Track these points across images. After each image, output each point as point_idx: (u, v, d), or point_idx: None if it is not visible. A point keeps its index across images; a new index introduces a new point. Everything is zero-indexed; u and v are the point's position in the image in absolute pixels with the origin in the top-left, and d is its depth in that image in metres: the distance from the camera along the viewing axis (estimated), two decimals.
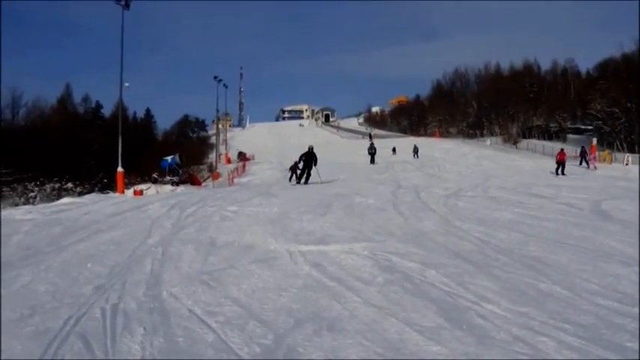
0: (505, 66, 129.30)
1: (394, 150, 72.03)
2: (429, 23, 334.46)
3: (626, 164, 49.75)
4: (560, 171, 41.07)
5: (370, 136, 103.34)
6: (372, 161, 57.35)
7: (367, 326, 7.86)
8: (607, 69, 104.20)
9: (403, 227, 16.32)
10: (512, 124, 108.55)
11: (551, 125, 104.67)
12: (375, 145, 64.38)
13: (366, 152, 61.44)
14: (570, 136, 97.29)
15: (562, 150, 44.60)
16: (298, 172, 37.15)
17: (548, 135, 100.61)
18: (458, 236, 14.53)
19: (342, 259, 12.15)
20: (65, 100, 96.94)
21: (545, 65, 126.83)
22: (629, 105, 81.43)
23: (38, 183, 47.73)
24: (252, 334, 7.67)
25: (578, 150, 51.37)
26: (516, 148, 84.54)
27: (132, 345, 7.32)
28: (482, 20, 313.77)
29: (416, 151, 69.70)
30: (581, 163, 47.94)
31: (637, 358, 6.49)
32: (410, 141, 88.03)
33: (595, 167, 46.10)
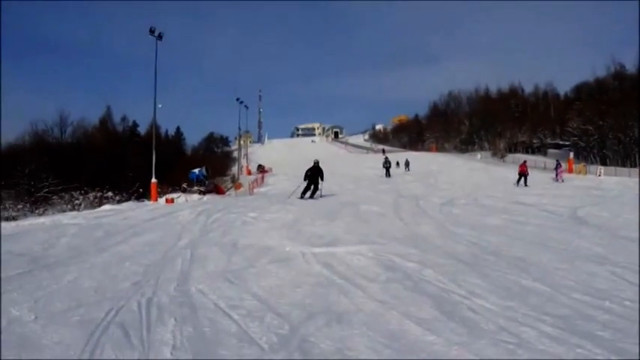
0: (493, 89, 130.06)
1: (398, 164, 71.36)
2: (427, 51, 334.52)
3: (599, 175, 49.71)
4: (523, 182, 40.27)
5: (383, 151, 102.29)
6: (388, 174, 56.24)
7: (371, 318, 7.89)
8: (582, 91, 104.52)
9: (404, 231, 16.34)
10: (500, 140, 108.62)
11: (534, 141, 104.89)
12: (390, 159, 63.90)
13: (381, 166, 60.79)
14: (551, 150, 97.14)
15: (525, 162, 43.90)
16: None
17: (531, 149, 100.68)
18: (452, 239, 14.54)
19: (349, 260, 12.17)
20: (106, 120, 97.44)
21: (528, 88, 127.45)
22: (601, 123, 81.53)
23: (82, 192, 47.81)
24: (269, 325, 7.71)
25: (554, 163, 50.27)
26: (503, 161, 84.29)
27: (164, 334, 7.36)
28: (473, 48, 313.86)
29: (407, 164, 69.34)
30: (556, 178, 46.38)
31: (606, 345, 6.51)
32: (406, 155, 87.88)
33: (562, 180, 44.60)
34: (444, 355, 6.54)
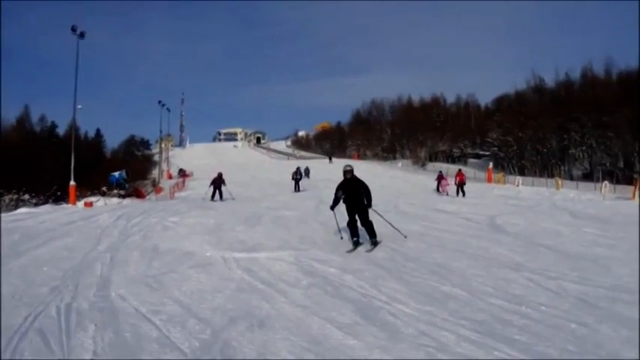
0: (416, 98, 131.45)
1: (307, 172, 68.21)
2: (350, 61, 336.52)
3: (517, 185, 50.53)
4: (462, 193, 38.59)
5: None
6: (297, 188, 47.25)
7: (293, 323, 7.96)
8: (502, 103, 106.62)
9: (324, 237, 16.44)
10: (421, 149, 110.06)
11: (454, 150, 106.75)
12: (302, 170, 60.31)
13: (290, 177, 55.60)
14: (471, 160, 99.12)
15: (460, 170, 43.74)
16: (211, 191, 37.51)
17: (452, 159, 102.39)
18: (371, 245, 14.67)
19: (270, 265, 12.23)
20: (24, 119, 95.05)
21: (450, 98, 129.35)
22: (520, 134, 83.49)
23: None
24: (191, 330, 7.71)
25: (436, 174, 48.59)
26: (424, 169, 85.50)
27: (85, 339, 7.28)
28: (397, 59, 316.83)
29: (307, 172, 63.95)
30: (438, 190, 43.74)
31: (522, 348, 6.71)
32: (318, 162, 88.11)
33: (447, 193, 40.85)
34: (365, 358, 6.64)
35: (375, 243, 14.58)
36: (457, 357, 6.60)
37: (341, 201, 15.44)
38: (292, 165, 60.97)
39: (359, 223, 15.06)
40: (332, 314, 8.37)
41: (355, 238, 14.79)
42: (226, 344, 7.14)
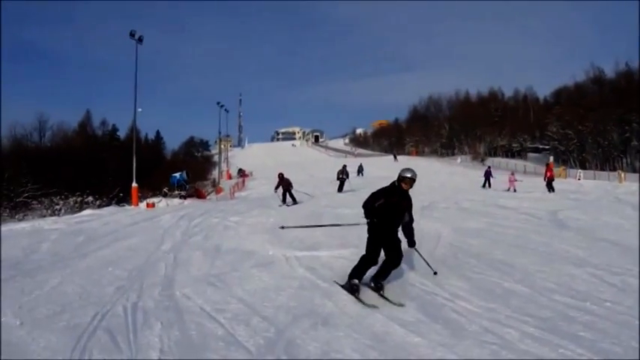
0: (473, 93, 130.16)
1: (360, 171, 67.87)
2: (406, 58, 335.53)
3: (578, 179, 49.79)
4: (550, 188, 36.34)
5: (395, 156, 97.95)
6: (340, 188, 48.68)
7: (356, 321, 7.97)
8: (561, 96, 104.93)
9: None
10: (480, 144, 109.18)
11: (513, 145, 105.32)
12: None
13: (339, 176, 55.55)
14: (530, 154, 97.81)
15: (549, 165, 42.01)
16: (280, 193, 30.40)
17: (511, 153, 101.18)
18: (434, 243, 14.58)
19: (332, 263, 12.23)
20: (85, 124, 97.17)
21: (508, 92, 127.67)
22: (580, 127, 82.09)
23: (62, 197, 47.55)
24: (256, 328, 7.77)
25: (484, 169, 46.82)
26: (483, 164, 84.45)
27: (151, 338, 7.40)
28: (453, 54, 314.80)
29: (360, 170, 66.10)
30: (484, 185, 42.42)
31: (587, 345, 6.60)
32: (382, 160, 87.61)
33: (515, 190, 38.18)
34: (429, 356, 6.61)
35: (380, 288, 9.56)
36: (521, 354, 6.53)
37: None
38: (350, 163, 60.65)
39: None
40: (394, 312, 8.35)
41: (356, 281, 9.59)
42: (290, 342, 7.18)
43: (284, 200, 29.79)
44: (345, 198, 30.73)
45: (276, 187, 30.87)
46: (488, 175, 42.75)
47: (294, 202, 29.70)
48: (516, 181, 39.82)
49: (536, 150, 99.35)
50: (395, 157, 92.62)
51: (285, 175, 31.14)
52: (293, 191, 30.76)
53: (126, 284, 10.77)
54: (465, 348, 6.78)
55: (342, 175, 41.16)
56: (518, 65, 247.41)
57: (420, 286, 9.90)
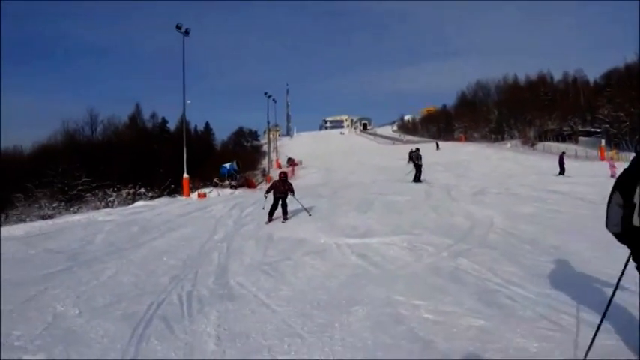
0: (522, 77, 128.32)
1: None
2: (453, 43, 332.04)
3: None
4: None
5: (437, 145, 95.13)
6: (417, 178, 49.63)
7: (410, 307, 7.96)
8: (612, 78, 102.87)
9: (436, 221, 16.33)
10: (530, 129, 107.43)
11: (564, 129, 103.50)
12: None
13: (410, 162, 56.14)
14: (581, 138, 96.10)
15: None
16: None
17: (561, 137, 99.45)
18: (485, 229, 14.51)
19: (384, 250, 12.24)
20: (136, 117, 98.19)
21: (557, 75, 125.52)
22: (632, 110, 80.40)
23: (115, 189, 48.35)
24: (309, 315, 7.82)
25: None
26: (534, 149, 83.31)
27: (207, 324, 7.51)
28: (500, 38, 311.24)
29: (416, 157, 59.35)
30: (561, 173, 38.49)
31: None
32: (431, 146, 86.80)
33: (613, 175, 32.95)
34: (481, 341, 6.59)
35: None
36: (578, 340, 6.46)
37: None
38: (400, 150, 60.24)
39: None
40: (447, 298, 8.32)
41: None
42: (343, 329, 7.21)
43: (271, 215, 18.54)
44: (395, 186, 30.54)
45: (267, 191, 19.56)
46: (562, 161, 40.78)
47: (285, 216, 18.66)
48: (614, 167, 37.77)
49: (588, 134, 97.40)
50: (437, 147, 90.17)
51: (294, 174, 26.81)
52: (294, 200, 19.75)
53: (180, 273, 10.94)
54: (519, 334, 6.73)
55: (418, 161, 33.92)
56: (566, 48, 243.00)
57: (472, 272, 9.86)
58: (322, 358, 6.33)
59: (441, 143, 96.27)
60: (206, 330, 7.32)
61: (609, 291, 8.15)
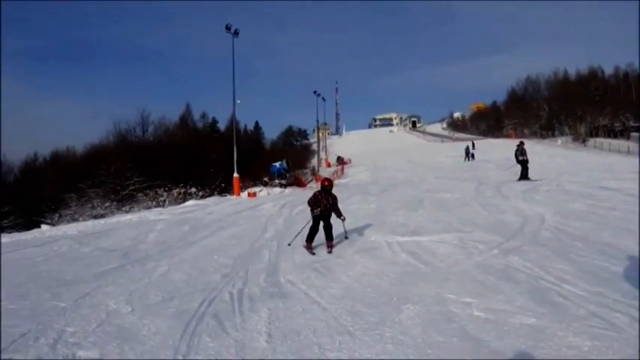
0: (572, 72, 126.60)
1: (469, 153, 65.15)
2: (501, 38, 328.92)
3: None
4: None
5: (473, 145, 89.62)
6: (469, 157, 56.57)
7: (461, 306, 7.90)
8: None
9: (487, 219, 16.19)
10: (581, 125, 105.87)
11: (615, 125, 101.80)
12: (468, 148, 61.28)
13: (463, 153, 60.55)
14: (633, 134, 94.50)
15: None
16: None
17: (613, 134, 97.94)
18: (536, 226, 14.35)
19: (434, 248, 12.18)
20: (186, 117, 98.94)
21: (608, 70, 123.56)
22: None
23: (166, 189, 48.76)
24: (359, 312, 7.81)
25: None
26: (585, 146, 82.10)
27: (258, 322, 7.54)
28: (549, 32, 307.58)
29: (468, 153, 60.51)
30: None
31: None
32: (483, 142, 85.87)
33: None
34: (534, 340, 6.51)
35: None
36: (632, 339, 6.35)
37: None
38: (448, 147, 59.74)
39: None
40: (499, 296, 8.24)
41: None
42: (394, 327, 7.18)
43: (311, 240, 13.44)
44: (445, 184, 30.38)
45: (314, 207, 13.59)
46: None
47: (330, 243, 13.37)
48: None
49: None
50: (473, 146, 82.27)
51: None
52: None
53: (231, 271, 11.03)
54: (571, 332, 6.64)
55: (522, 156, 30.19)
56: (617, 41, 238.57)
57: (524, 270, 9.74)
58: (373, 355, 6.32)
59: (491, 140, 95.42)
60: (257, 327, 7.36)
61: None
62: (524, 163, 29.81)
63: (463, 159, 57.05)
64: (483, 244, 12.27)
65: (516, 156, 30.46)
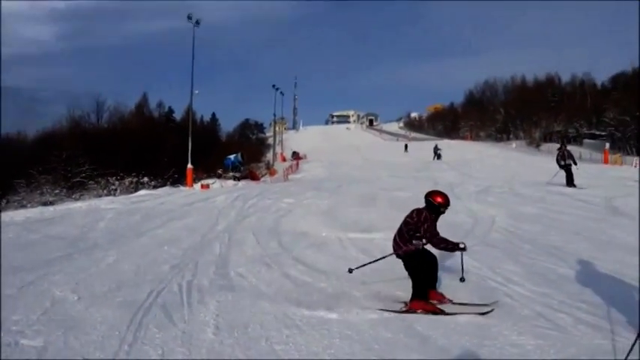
0: (530, 78, 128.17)
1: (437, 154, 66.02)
2: (462, 42, 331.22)
3: (635, 166, 48.71)
4: None
5: (406, 147, 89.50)
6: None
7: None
8: (619, 81, 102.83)
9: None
10: (536, 130, 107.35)
11: (569, 131, 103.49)
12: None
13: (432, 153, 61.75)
14: (586, 140, 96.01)
15: None
16: None
17: (566, 139, 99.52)
18: (487, 227, 14.53)
19: (385, 246, 12.22)
20: (142, 105, 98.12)
21: (565, 78, 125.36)
22: (638, 113, 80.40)
23: (118, 177, 48.38)
24: (308, 306, 7.86)
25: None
26: (539, 150, 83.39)
27: (206, 314, 7.54)
28: (509, 38, 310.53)
29: (437, 152, 62.05)
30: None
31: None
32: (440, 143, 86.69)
33: None
34: (478, 338, 6.61)
35: None
36: (575, 340, 6.49)
37: None
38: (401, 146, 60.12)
39: None
40: (448, 295, 8.34)
41: None
42: (341, 321, 7.26)
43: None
44: (399, 182, 30.55)
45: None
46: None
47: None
48: None
49: (593, 136, 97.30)
50: (406, 148, 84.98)
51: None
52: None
53: (181, 263, 10.98)
54: (516, 332, 6.76)
55: (566, 161, 27.58)
56: (575, 50, 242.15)
57: (473, 270, 9.86)
58: (320, 349, 6.36)
59: (447, 141, 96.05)
60: (205, 319, 7.36)
61: (606, 290, 8.23)
62: (568, 169, 26.94)
63: (432, 157, 58.08)
64: None
65: (558, 161, 27.87)
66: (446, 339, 6.62)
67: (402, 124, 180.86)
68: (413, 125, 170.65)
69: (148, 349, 6.41)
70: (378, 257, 9.15)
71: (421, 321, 7.22)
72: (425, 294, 8.01)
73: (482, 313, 7.39)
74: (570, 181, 26.23)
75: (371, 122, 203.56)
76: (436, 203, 8.95)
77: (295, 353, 6.35)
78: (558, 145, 29.93)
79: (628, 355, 5.53)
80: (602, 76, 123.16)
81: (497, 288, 8.72)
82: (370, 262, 9.04)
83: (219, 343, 6.57)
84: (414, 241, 8.52)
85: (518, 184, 27.69)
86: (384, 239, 12.77)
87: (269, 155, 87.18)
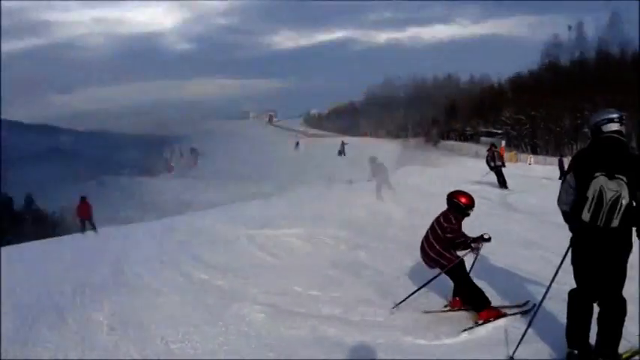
0: (429, 77, 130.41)
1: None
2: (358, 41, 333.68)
3: (529, 164, 50.22)
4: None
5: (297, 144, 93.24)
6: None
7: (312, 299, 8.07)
8: (516, 83, 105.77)
9: (338, 214, 16.38)
10: (434, 127, 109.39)
11: (466, 129, 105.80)
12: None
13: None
14: (483, 138, 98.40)
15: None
16: None
17: (464, 137, 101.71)
18: (385, 223, 14.67)
19: (283, 242, 12.30)
20: None
21: (464, 78, 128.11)
22: (533, 113, 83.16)
23: None
24: (204, 304, 7.85)
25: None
26: (436, 148, 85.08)
27: (100, 314, 7.43)
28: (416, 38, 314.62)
29: (343, 149, 66.10)
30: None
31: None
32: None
33: None
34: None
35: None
36: None
37: None
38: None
39: None
40: (344, 290, 8.45)
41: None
42: (238, 317, 7.28)
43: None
44: (300, 177, 30.54)
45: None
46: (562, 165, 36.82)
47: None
48: None
49: (489, 134, 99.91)
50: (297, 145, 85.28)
51: None
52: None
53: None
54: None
55: (495, 162, 27.16)
56: (474, 53, 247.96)
57: (370, 265, 10.02)
58: (215, 347, 6.37)
59: (347, 138, 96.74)
60: (99, 320, 7.25)
61: (506, 285, 8.47)
62: (498, 170, 26.47)
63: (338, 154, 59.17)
64: (333, 238, 12.47)
65: (488, 162, 27.45)
66: (342, 333, 6.73)
67: (302, 121, 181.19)
68: (313, 122, 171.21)
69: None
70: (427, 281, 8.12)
71: (318, 316, 7.28)
72: (487, 299, 7.62)
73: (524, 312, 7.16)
74: (502, 182, 25.94)
75: (270, 119, 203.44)
76: (463, 205, 8.40)
77: (191, 351, 6.33)
78: (488, 147, 29.55)
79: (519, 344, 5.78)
80: (499, 77, 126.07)
81: (392, 282, 8.86)
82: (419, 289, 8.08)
83: (114, 344, 6.52)
84: (459, 252, 8.14)
85: (413, 180, 27.95)
86: (283, 235, 12.94)
87: None
